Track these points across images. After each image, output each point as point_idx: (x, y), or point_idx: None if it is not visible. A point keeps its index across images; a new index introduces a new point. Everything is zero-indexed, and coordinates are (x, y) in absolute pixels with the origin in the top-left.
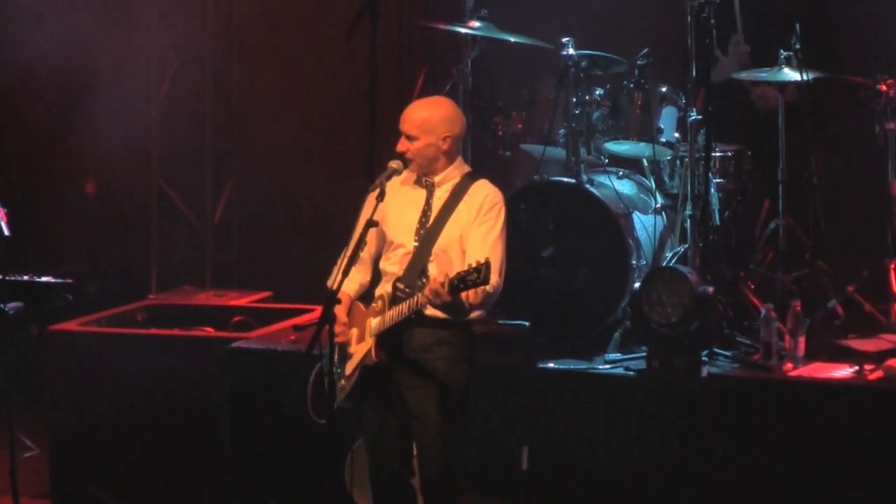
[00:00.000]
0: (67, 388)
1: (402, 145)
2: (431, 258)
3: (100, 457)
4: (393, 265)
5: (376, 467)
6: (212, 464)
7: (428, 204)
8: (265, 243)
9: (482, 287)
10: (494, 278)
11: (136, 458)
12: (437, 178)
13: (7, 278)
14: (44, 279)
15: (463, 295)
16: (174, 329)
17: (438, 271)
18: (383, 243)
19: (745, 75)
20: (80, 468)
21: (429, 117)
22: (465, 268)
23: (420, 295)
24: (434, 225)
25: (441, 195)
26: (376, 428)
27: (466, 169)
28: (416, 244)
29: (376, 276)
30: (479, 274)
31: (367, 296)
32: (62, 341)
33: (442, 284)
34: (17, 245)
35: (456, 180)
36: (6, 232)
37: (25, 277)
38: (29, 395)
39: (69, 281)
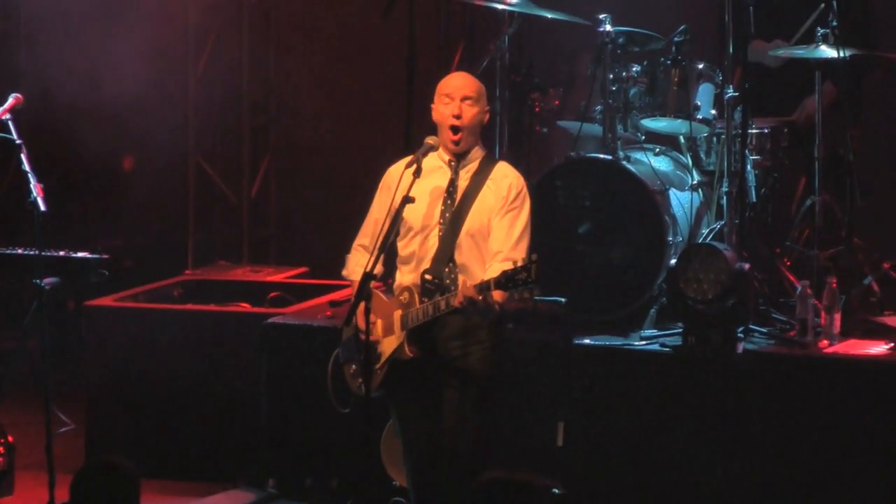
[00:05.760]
0: (104, 363)
1: (458, 108)
2: (458, 244)
3: (136, 432)
4: (417, 251)
5: (410, 453)
6: (248, 440)
7: (453, 186)
8: (301, 219)
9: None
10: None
11: (172, 434)
12: (463, 159)
13: (44, 253)
14: (80, 255)
15: (496, 297)
16: (210, 305)
17: (465, 256)
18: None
19: (781, 52)
20: (116, 443)
21: (481, 85)
22: (512, 266)
23: (451, 296)
24: (459, 209)
25: (465, 176)
26: (409, 416)
27: (484, 150)
28: (442, 229)
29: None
30: (528, 273)
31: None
32: (99, 317)
33: (475, 289)
34: (54, 220)
35: (478, 161)
36: (43, 207)
37: (62, 253)
38: (65, 370)
39: (105, 256)
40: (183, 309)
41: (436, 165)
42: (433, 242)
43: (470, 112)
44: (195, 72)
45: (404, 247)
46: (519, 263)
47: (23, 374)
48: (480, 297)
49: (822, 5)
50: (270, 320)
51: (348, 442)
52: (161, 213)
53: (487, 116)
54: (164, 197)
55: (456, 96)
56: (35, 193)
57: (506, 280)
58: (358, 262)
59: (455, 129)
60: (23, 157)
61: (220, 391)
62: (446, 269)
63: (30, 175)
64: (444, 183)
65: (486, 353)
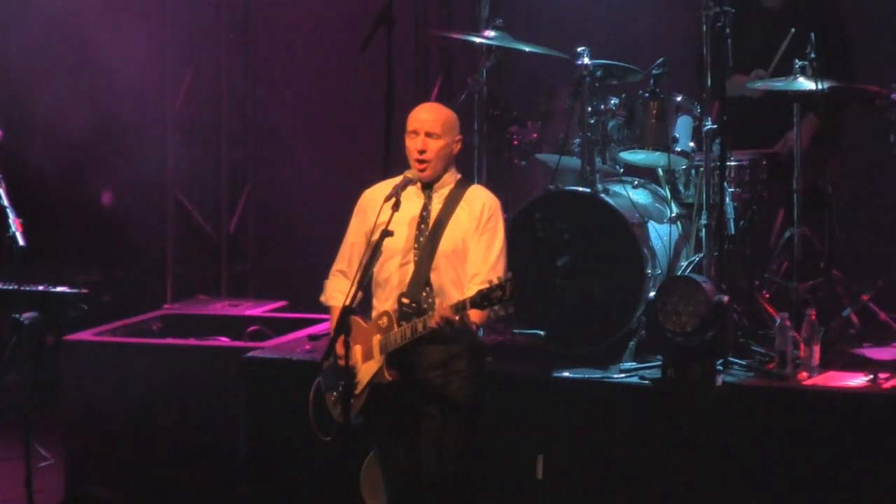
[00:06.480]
0: (83, 398)
1: (423, 144)
2: (434, 267)
3: (115, 467)
4: (392, 276)
5: (390, 482)
6: (228, 474)
7: (426, 210)
8: (280, 253)
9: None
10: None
11: (152, 469)
12: (435, 184)
13: (23, 288)
14: (59, 289)
15: (472, 318)
16: (189, 339)
17: (442, 278)
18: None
19: (759, 84)
20: (95, 478)
21: (449, 116)
22: (487, 285)
23: (428, 318)
24: (433, 232)
25: (438, 201)
26: (388, 444)
27: (458, 175)
28: (417, 254)
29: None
30: (503, 291)
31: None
32: (78, 351)
33: (451, 309)
34: (33, 255)
35: (451, 186)
36: (22, 242)
37: (41, 287)
38: (44, 405)
39: (84, 291)
40: (162, 343)
41: (411, 192)
42: (409, 267)
43: (434, 146)
44: (173, 106)
45: (380, 272)
46: (495, 282)
47: (2, 408)
48: (457, 317)
49: (793, 30)
50: (249, 354)
51: (328, 475)
52: (140, 247)
53: (458, 146)
54: (142, 231)
55: (420, 131)
56: (14, 228)
57: (481, 299)
58: (336, 288)
59: (420, 162)
60: (1, 191)
61: (200, 425)
62: (423, 294)
63: (8, 210)
64: (419, 209)
65: (466, 383)
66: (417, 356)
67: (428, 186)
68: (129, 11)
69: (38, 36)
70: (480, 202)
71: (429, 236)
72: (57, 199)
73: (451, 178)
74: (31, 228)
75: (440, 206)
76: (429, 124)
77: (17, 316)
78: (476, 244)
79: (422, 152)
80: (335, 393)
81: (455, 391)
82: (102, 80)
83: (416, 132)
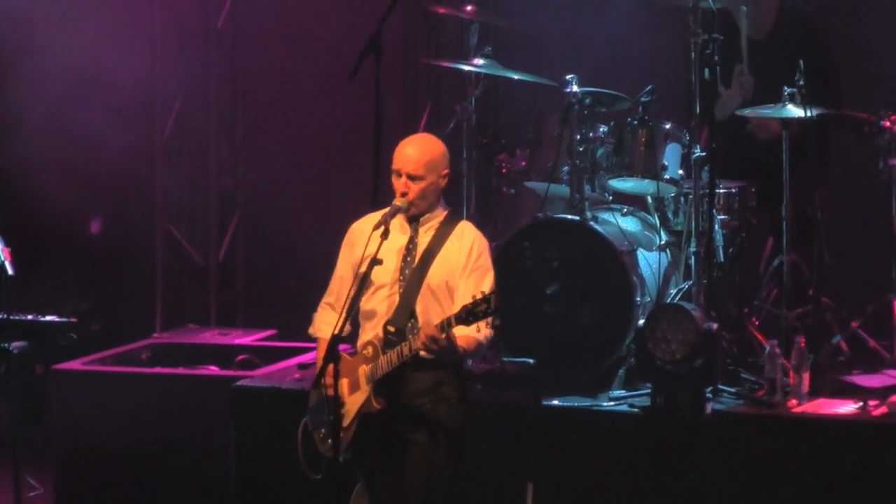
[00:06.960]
0: (72, 427)
1: (405, 186)
2: (419, 298)
3: (105, 497)
4: (378, 307)
5: None
6: (217, 503)
7: (412, 243)
8: (269, 281)
9: (485, 321)
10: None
11: (142, 498)
12: (422, 218)
13: (11, 317)
14: (48, 318)
15: (460, 342)
16: (179, 368)
17: (427, 311)
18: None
19: (748, 112)
20: None
21: (433, 154)
22: (470, 300)
23: (414, 339)
24: (420, 264)
25: (425, 234)
26: (376, 475)
27: (447, 209)
28: (402, 284)
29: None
30: (487, 304)
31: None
32: (67, 380)
33: (437, 328)
34: (22, 284)
35: (440, 220)
36: (10, 271)
37: (30, 316)
38: (33, 434)
39: (73, 320)
40: (151, 372)
41: (398, 225)
42: (394, 299)
43: (416, 188)
44: (162, 134)
45: (366, 303)
46: (479, 297)
47: None
48: (443, 335)
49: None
50: (239, 383)
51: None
52: (128, 276)
53: (445, 181)
54: (131, 260)
55: (402, 172)
56: (2, 257)
57: (466, 314)
58: (324, 320)
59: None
60: None
61: (189, 455)
62: (409, 324)
63: None
64: (405, 241)
65: (454, 409)
66: (405, 383)
67: (414, 219)
68: (118, 40)
69: (29, 65)
70: (470, 239)
71: (416, 268)
72: (46, 227)
73: (439, 212)
74: (20, 257)
75: (428, 238)
76: (411, 166)
77: (5, 345)
78: (465, 283)
79: (404, 194)
80: (323, 430)
81: (443, 417)
82: (91, 108)
83: (398, 172)
